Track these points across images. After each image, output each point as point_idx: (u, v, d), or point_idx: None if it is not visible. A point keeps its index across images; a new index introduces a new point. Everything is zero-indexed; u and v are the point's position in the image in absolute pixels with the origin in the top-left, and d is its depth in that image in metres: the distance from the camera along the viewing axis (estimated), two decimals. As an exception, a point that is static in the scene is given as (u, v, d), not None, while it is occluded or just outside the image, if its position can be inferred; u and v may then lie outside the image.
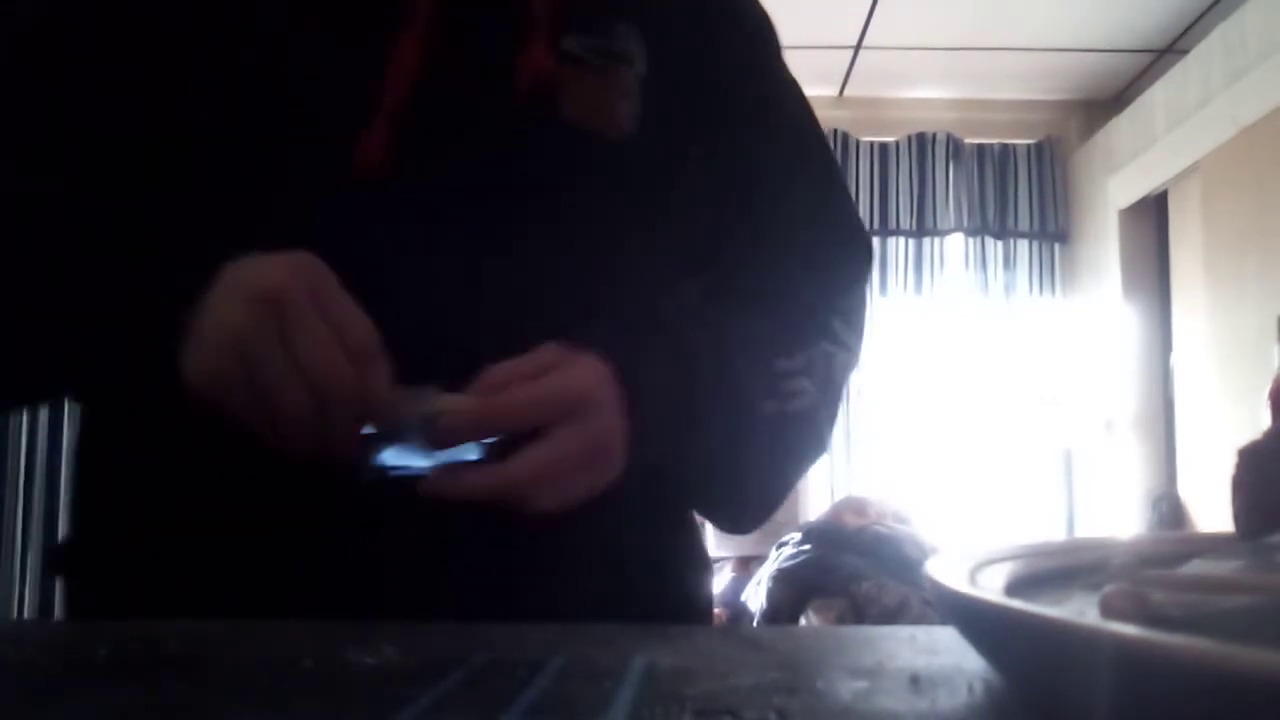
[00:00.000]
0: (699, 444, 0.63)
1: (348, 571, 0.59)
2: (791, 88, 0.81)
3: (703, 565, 0.77)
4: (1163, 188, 3.74)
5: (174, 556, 0.62)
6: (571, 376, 0.57)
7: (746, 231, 0.75)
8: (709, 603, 0.78)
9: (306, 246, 0.56)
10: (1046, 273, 4.40)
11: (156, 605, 0.56)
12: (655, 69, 0.69)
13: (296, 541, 0.60)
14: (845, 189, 0.84)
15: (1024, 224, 4.41)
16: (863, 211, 4.22)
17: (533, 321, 0.62)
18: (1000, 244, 4.41)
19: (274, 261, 0.54)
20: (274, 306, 0.51)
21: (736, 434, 0.65)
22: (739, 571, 3.62)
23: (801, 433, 0.70)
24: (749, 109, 0.76)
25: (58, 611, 2.89)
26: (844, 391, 0.76)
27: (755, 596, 3.23)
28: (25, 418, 2.80)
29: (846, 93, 4.33)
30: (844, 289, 0.78)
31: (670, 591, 0.72)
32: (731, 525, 0.73)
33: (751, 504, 0.72)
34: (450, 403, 0.54)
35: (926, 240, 4.33)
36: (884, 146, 4.38)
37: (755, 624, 3.04)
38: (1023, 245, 4.41)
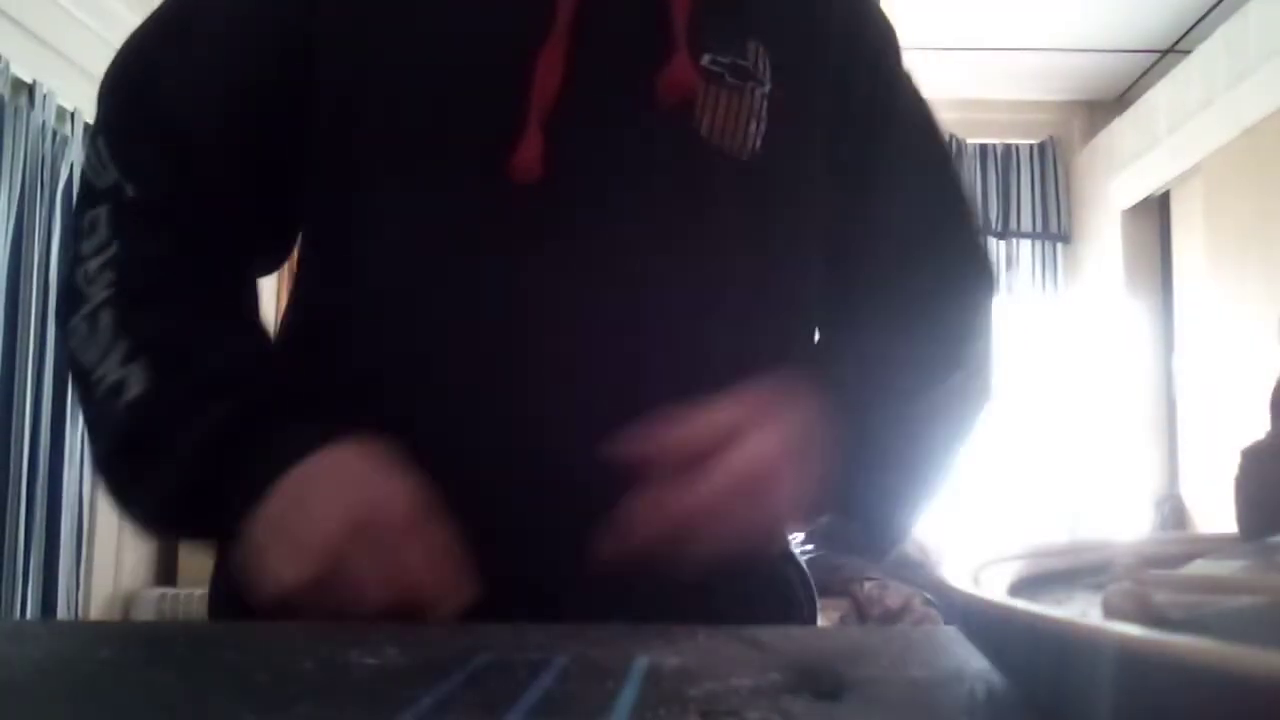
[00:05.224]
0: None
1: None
2: (913, 99, 0.81)
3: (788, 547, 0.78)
4: (1165, 188, 3.74)
5: None
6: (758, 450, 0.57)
7: (878, 256, 0.75)
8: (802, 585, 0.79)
9: (466, 254, 0.61)
10: (1049, 273, 4.40)
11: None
12: (778, 85, 0.69)
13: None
14: (967, 203, 0.82)
15: (1026, 224, 4.41)
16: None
17: (684, 332, 0.64)
18: (1003, 244, 4.41)
19: (358, 474, 0.55)
20: (373, 533, 0.53)
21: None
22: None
23: (927, 464, 0.71)
24: (871, 123, 0.75)
25: (60, 611, 2.88)
26: (975, 418, 0.75)
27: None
28: (29, 418, 2.80)
29: (848, 93, 4.33)
30: (972, 310, 0.77)
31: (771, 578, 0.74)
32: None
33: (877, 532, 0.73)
34: None
35: (929, 240, 4.33)
36: (886, 147, 4.39)
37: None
38: (1025, 245, 4.41)
